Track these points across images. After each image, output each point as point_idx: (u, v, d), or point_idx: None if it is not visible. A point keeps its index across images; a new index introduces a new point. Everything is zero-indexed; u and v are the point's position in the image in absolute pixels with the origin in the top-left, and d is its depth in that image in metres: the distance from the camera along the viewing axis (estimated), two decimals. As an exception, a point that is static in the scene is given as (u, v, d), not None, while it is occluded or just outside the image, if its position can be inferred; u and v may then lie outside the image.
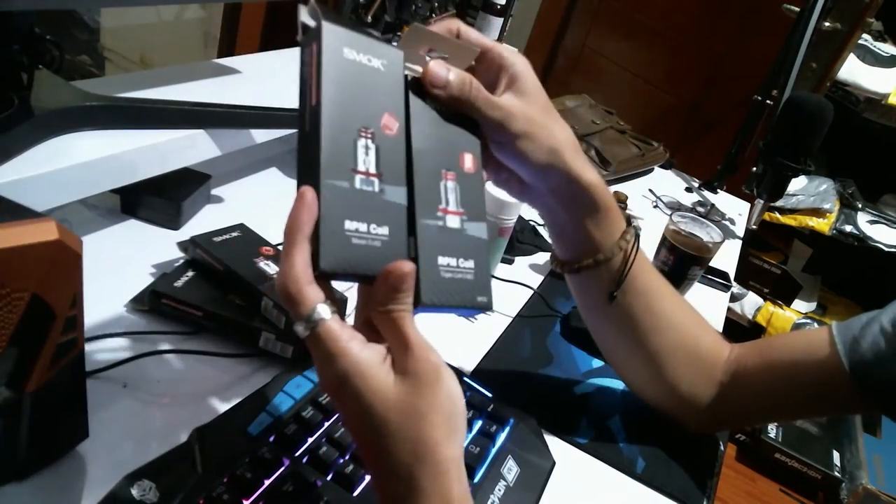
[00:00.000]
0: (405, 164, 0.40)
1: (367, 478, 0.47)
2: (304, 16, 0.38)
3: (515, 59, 0.47)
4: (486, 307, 0.42)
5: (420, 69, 0.42)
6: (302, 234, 0.35)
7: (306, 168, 0.36)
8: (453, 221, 0.42)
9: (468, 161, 0.44)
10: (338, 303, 0.36)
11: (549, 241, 0.58)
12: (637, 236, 0.55)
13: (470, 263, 0.42)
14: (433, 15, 1.23)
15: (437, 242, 0.40)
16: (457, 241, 0.41)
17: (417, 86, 0.42)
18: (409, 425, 0.34)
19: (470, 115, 0.44)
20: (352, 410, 0.35)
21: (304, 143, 0.37)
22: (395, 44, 0.41)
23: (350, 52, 0.38)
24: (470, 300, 0.41)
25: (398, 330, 0.36)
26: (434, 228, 0.40)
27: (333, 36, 0.37)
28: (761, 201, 1.13)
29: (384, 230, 0.37)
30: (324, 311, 0.34)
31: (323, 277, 0.35)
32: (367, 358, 0.35)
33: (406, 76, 0.41)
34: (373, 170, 0.38)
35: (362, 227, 0.36)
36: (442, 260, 0.40)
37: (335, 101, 0.37)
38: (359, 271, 0.36)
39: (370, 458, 0.36)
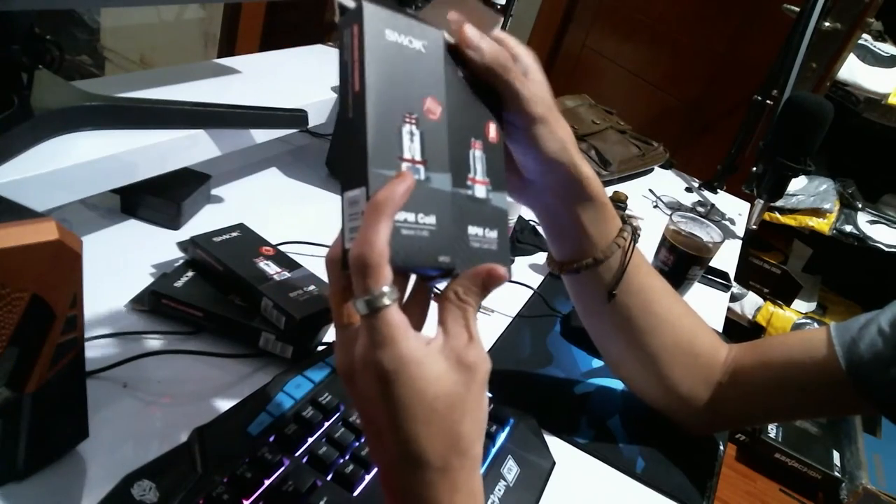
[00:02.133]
0: (449, 150, 0.39)
1: (367, 478, 0.47)
2: None
3: (526, 51, 0.47)
4: (508, 278, 0.42)
5: (445, 34, 0.42)
6: (392, 209, 0.33)
7: (351, 157, 0.35)
8: (480, 191, 0.41)
9: (492, 130, 0.43)
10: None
11: (547, 242, 0.58)
12: (633, 233, 0.55)
13: (494, 234, 0.41)
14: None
15: (467, 211, 0.39)
16: (484, 210, 0.41)
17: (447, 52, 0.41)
18: (454, 417, 0.34)
19: (498, 88, 0.43)
20: (397, 396, 0.33)
21: (347, 130, 0.36)
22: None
23: (392, 34, 0.37)
24: None
25: (467, 321, 0.36)
26: (465, 197, 0.39)
27: (375, 17, 0.36)
28: (761, 201, 1.13)
29: (431, 219, 0.36)
30: (391, 294, 0.33)
31: None
32: (419, 346, 0.34)
33: (444, 39, 0.41)
34: (418, 157, 0.36)
35: (410, 217, 0.35)
36: (471, 230, 0.39)
37: (379, 86, 0.35)
38: (409, 265, 0.35)
39: (398, 444, 0.34)
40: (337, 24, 0.38)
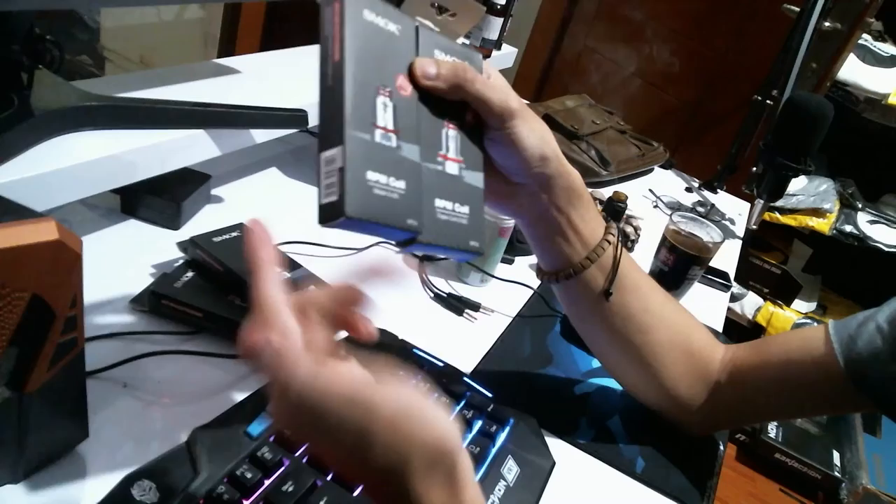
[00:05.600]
0: (418, 124, 0.41)
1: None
2: None
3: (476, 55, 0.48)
4: (479, 251, 0.44)
5: (429, 22, 0.43)
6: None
7: (329, 121, 0.38)
8: (452, 168, 0.43)
9: (470, 114, 0.45)
10: None
11: (537, 254, 0.58)
12: (620, 231, 0.56)
13: (465, 209, 0.43)
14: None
15: (435, 185, 0.42)
16: (454, 186, 0.43)
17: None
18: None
19: (468, 100, 0.44)
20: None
21: (325, 98, 0.38)
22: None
23: (370, 14, 0.40)
24: (463, 243, 0.43)
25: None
26: (433, 172, 0.42)
27: None
28: (761, 201, 1.13)
29: (401, 184, 0.39)
30: None
31: (345, 226, 0.36)
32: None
33: (416, 28, 0.43)
34: (391, 126, 0.39)
35: (382, 178, 0.38)
36: (439, 202, 0.42)
37: (357, 57, 0.38)
38: (380, 220, 0.37)
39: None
40: (318, 3, 0.40)
